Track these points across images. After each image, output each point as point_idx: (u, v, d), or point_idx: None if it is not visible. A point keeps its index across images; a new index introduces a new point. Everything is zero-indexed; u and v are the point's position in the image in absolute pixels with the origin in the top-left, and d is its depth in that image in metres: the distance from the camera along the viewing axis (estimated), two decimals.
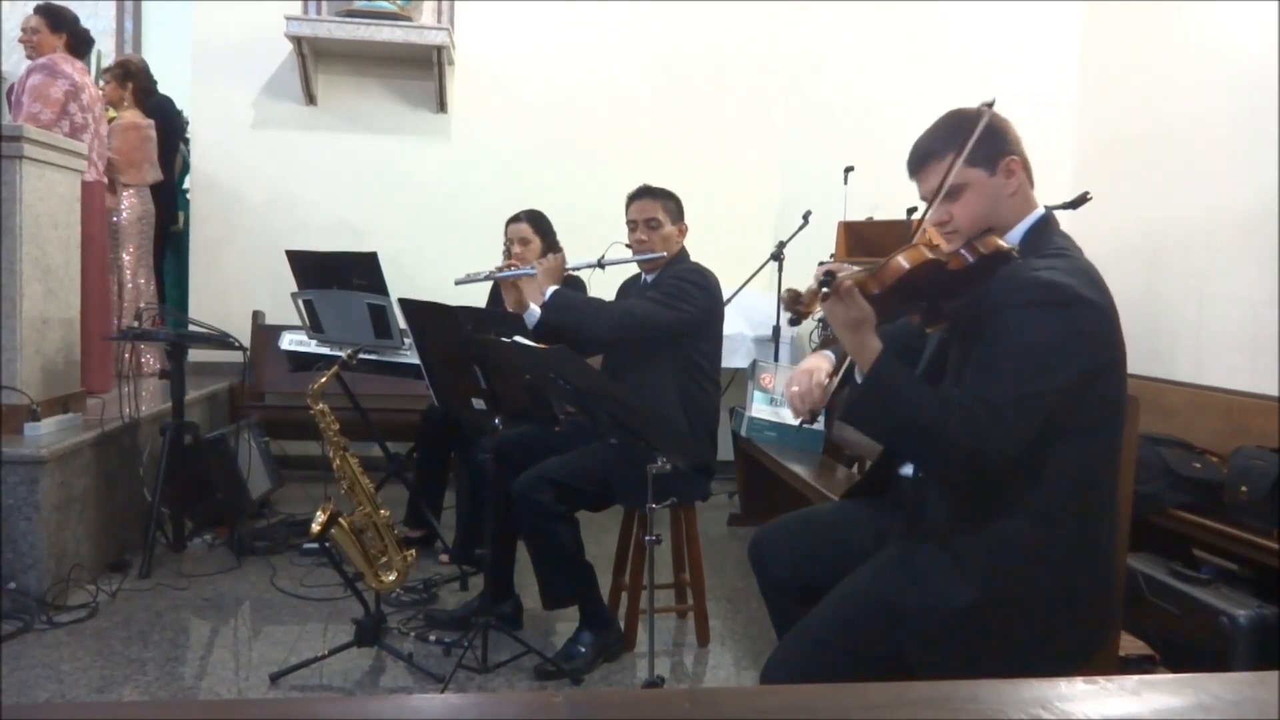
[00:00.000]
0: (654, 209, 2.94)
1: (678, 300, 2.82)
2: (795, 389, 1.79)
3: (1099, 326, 1.56)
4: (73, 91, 3.98)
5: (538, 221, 3.64)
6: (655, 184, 3.02)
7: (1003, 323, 1.54)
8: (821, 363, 1.82)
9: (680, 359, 2.85)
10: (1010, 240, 1.65)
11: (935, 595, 1.56)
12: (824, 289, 1.53)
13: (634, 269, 3.09)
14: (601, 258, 3.06)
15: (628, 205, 3.01)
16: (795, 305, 1.57)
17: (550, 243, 3.61)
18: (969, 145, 1.63)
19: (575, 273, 3.16)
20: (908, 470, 1.82)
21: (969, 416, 1.49)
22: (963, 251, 1.58)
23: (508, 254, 3.69)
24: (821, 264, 1.63)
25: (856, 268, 1.60)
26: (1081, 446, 1.56)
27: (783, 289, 4.59)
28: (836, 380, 1.75)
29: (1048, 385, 1.50)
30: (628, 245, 3.02)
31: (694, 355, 2.87)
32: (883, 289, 1.57)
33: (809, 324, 4.98)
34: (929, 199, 1.70)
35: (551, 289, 2.93)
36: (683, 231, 3.00)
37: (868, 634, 1.62)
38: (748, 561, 1.99)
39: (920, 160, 1.71)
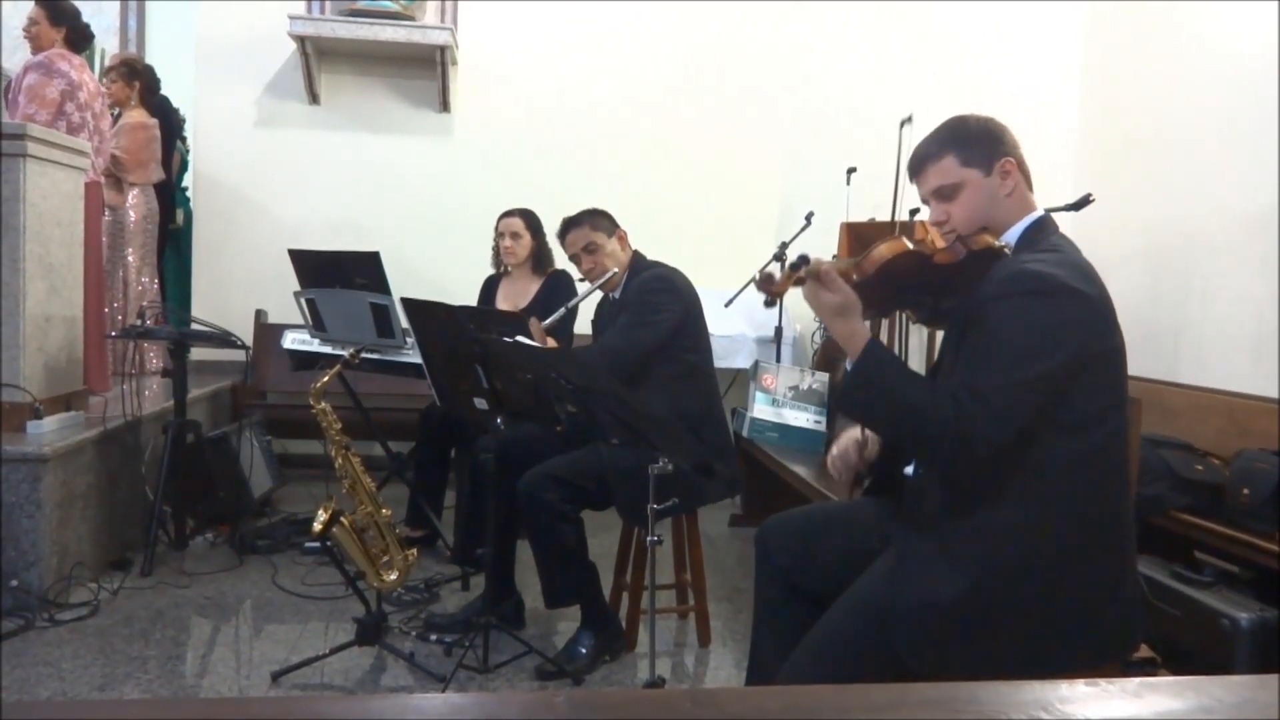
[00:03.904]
0: (585, 235, 2.90)
1: (651, 315, 2.80)
2: (834, 452, 1.87)
3: (1088, 316, 1.57)
4: (69, 90, 3.93)
5: (529, 218, 3.72)
6: (587, 205, 2.99)
7: (989, 314, 1.57)
8: (856, 432, 1.89)
9: (669, 361, 2.84)
10: (1006, 240, 1.68)
11: (924, 588, 1.57)
12: (796, 270, 1.57)
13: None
14: (566, 305, 3.05)
15: (561, 242, 3.00)
16: (768, 285, 1.59)
17: (541, 240, 3.71)
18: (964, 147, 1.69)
19: (548, 320, 2.98)
20: (910, 469, 1.83)
21: (956, 403, 1.52)
22: (953, 247, 1.63)
23: (497, 250, 3.80)
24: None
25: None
26: (1076, 441, 1.56)
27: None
28: (870, 436, 1.83)
29: (1034, 371, 1.51)
30: (580, 280, 3.03)
31: (682, 354, 2.86)
32: (864, 278, 1.62)
33: (812, 324, 4.97)
34: (927, 200, 1.75)
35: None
36: (623, 238, 2.97)
37: (866, 644, 1.63)
38: (749, 561, 2.00)
39: (918, 163, 1.76)
